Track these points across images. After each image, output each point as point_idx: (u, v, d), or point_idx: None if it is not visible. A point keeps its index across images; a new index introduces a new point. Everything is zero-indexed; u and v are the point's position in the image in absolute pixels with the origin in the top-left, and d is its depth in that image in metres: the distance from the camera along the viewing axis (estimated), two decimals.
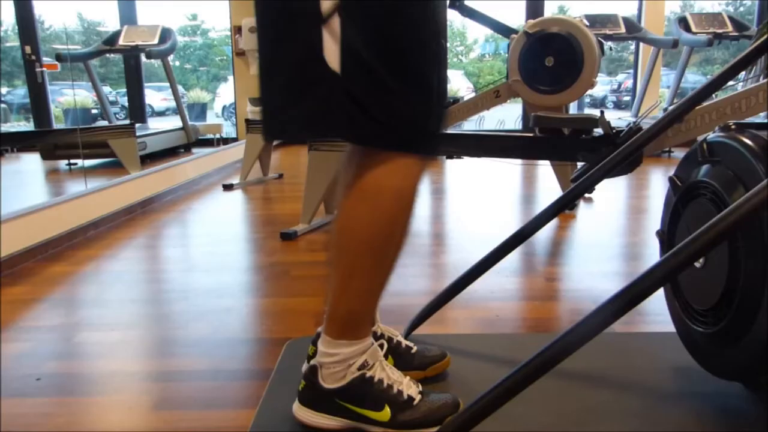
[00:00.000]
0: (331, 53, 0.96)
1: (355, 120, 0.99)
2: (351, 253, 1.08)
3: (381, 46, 0.98)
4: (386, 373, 1.16)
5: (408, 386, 1.16)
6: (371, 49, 0.97)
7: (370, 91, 0.98)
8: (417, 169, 1.06)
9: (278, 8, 1.02)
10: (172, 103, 7.23)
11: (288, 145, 7.13)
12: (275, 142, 5.30)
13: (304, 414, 1.19)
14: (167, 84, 6.66)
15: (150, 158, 5.52)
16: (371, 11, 0.97)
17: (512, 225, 2.89)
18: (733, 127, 1.25)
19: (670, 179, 1.41)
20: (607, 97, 13.99)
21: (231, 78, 8.07)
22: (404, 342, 1.38)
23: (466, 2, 4.05)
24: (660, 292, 1.13)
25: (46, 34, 8.26)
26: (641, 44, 6.81)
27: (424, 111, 1.04)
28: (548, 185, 3.94)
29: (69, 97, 7.31)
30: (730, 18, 5.92)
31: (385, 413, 1.13)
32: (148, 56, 6.23)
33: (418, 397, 1.15)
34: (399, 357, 1.35)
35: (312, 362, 1.18)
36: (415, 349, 1.39)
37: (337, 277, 1.11)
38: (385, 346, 1.24)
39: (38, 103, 6.31)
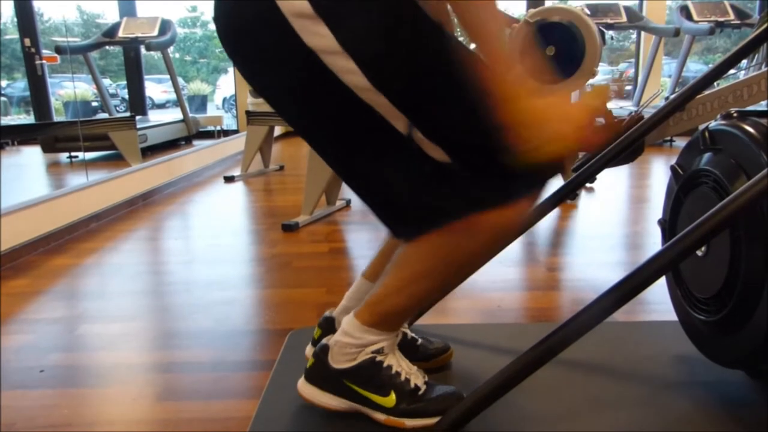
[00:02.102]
0: (434, 150, 0.98)
1: (488, 190, 1.00)
2: (427, 265, 1.06)
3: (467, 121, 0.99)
4: (397, 360, 1.16)
5: (416, 376, 1.16)
6: (456, 129, 0.98)
7: (480, 162, 0.99)
8: (532, 201, 1.05)
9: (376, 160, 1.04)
10: (173, 96, 7.22)
11: (289, 136, 7.12)
12: (275, 134, 5.28)
13: (308, 391, 1.19)
14: (167, 76, 6.64)
15: (151, 150, 5.51)
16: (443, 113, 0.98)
17: None
18: (734, 115, 1.25)
19: (672, 168, 1.40)
20: (609, 87, 13.95)
21: (231, 70, 8.05)
22: (409, 333, 1.39)
23: None
24: (661, 281, 1.13)
25: (45, 27, 8.22)
26: (642, 33, 6.76)
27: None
28: None
29: (69, 89, 7.30)
30: (732, 6, 5.88)
31: (390, 399, 1.14)
32: (148, 48, 6.21)
33: (423, 388, 1.15)
34: (403, 348, 1.35)
35: (326, 341, 1.17)
36: (420, 341, 1.39)
37: (398, 277, 1.09)
38: (400, 336, 1.24)
39: (38, 96, 6.29)
